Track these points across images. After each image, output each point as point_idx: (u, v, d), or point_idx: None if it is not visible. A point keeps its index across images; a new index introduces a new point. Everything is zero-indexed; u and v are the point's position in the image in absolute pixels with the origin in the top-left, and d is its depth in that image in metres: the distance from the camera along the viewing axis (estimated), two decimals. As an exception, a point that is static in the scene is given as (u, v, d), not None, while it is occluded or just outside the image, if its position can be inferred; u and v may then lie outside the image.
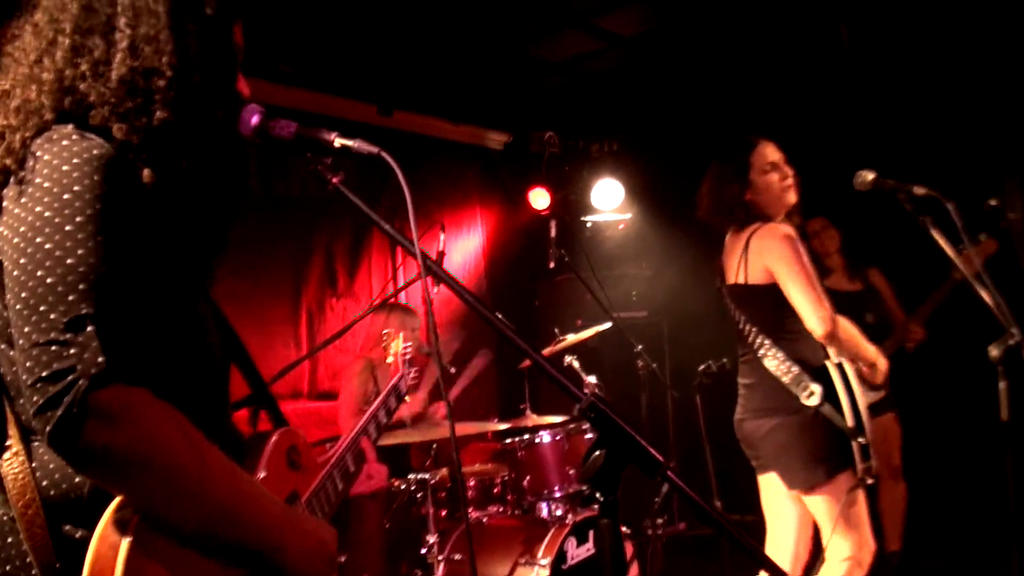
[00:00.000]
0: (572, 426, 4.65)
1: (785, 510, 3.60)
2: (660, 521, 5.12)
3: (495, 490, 4.74)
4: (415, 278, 4.41)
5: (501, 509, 4.55)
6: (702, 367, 4.56)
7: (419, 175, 6.32)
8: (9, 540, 1.41)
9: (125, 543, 1.31)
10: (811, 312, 3.32)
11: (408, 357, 2.82)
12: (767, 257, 3.46)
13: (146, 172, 1.45)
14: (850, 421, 3.29)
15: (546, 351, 5.02)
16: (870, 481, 3.35)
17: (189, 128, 1.50)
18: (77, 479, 1.38)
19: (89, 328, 1.28)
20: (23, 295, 1.30)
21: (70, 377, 1.25)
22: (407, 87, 6.07)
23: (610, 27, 5.76)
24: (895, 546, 5.30)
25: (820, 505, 3.38)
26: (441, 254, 4.13)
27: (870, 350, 3.52)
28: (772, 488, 3.62)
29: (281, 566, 1.49)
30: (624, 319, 5.76)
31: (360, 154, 1.66)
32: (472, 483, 4.70)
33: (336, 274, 5.91)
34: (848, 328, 3.43)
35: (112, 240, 1.35)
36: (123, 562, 1.30)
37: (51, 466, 1.40)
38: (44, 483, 1.39)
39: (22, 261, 1.32)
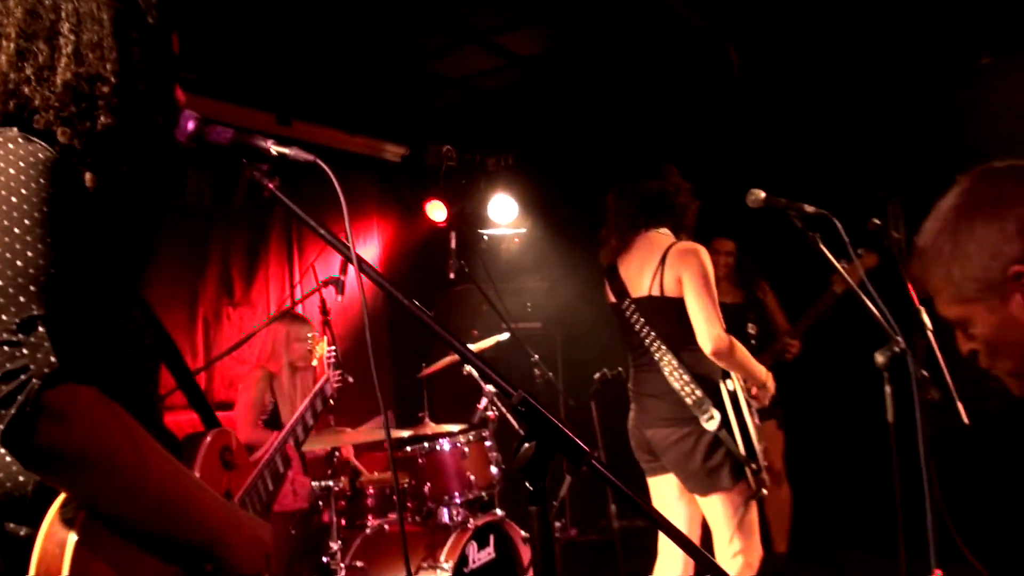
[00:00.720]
0: (472, 434, 4.71)
1: (676, 512, 3.75)
2: (557, 525, 5.23)
3: (395, 498, 4.76)
4: (315, 289, 4.40)
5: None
6: (598, 375, 4.68)
7: (317, 186, 6.30)
8: None
9: (72, 539, 1.32)
10: (706, 329, 3.47)
11: (332, 360, 2.85)
12: (683, 271, 3.60)
13: (88, 176, 1.47)
14: (743, 448, 3.48)
15: (443, 361, 5.09)
16: (764, 493, 3.54)
17: (132, 134, 1.53)
18: (21, 477, 1.39)
19: (40, 329, 1.30)
20: None
21: (23, 376, 1.26)
22: (306, 97, 6.06)
23: (509, 45, 5.88)
24: (781, 547, 5.55)
25: (717, 508, 3.54)
26: (345, 263, 4.14)
27: (761, 370, 3.67)
28: (664, 491, 3.77)
29: (221, 559, 1.52)
30: (520, 330, 5.86)
31: (296, 162, 1.71)
32: (372, 491, 4.71)
33: (233, 283, 5.85)
34: (741, 349, 3.58)
35: (60, 243, 1.36)
36: (70, 558, 1.31)
37: None
38: None
39: None
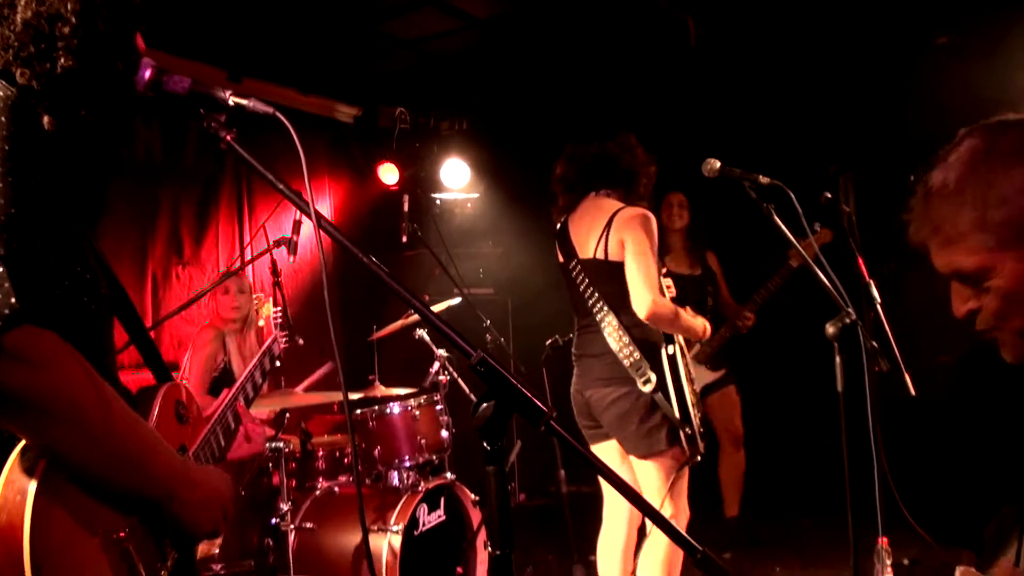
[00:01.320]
0: (424, 397, 4.72)
1: (620, 474, 3.79)
2: (511, 487, 5.26)
3: (345, 460, 4.75)
4: (266, 249, 4.33)
5: (352, 479, 4.57)
6: (549, 341, 4.70)
7: (267, 144, 6.20)
8: None
9: (32, 487, 1.30)
10: (642, 292, 3.51)
11: (279, 320, 2.82)
12: (627, 234, 3.62)
13: (46, 119, 1.44)
14: (678, 413, 3.52)
15: (395, 325, 5.07)
16: (697, 459, 3.60)
17: (91, 78, 1.49)
18: None
19: (0, 269, 1.26)
20: None
21: None
22: (257, 54, 5.93)
23: (465, 7, 5.82)
24: (733, 511, 5.65)
25: (651, 471, 3.59)
26: (298, 223, 4.09)
27: (698, 326, 3.71)
28: (607, 457, 3.81)
29: (176, 516, 1.51)
30: (472, 295, 5.86)
31: (255, 113, 1.68)
32: (321, 453, 4.70)
33: (182, 241, 5.75)
34: (669, 306, 3.59)
35: (20, 182, 1.32)
36: (31, 505, 1.29)
37: None
38: None
39: None
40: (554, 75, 6.54)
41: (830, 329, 2.71)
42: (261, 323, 2.92)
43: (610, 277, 3.69)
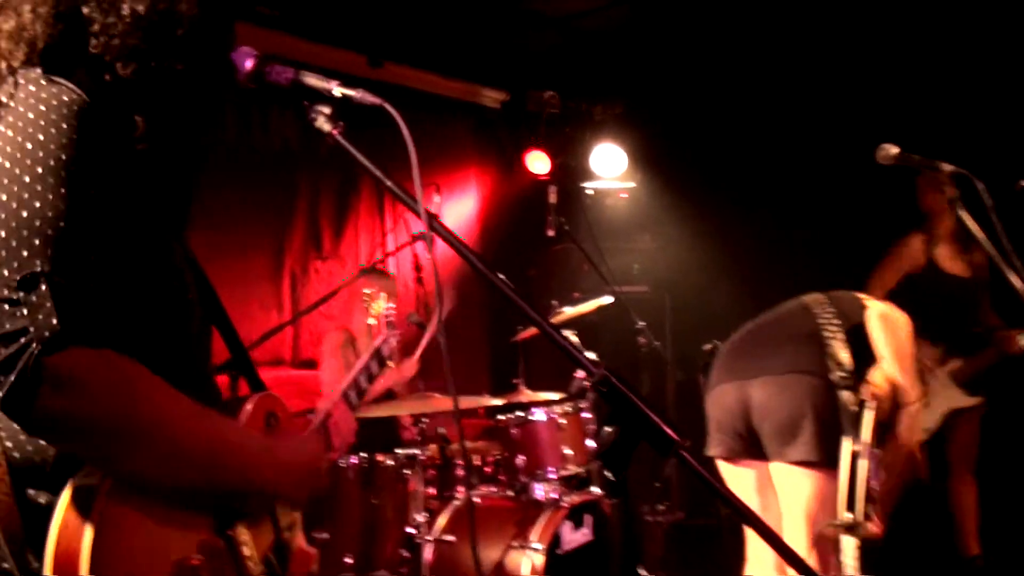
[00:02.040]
0: (569, 404, 4.66)
1: (753, 503, 3.58)
2: (661, 508, 5.14)
3: (487, 469, 4.76)
4: (409, 241, 4.39)
5: (493, 489, 4.57)
6: (707, 346, 4.55)
7: (411, 132, 6.28)
8: None
9: (95, 506, 1.31)
10: None
11: (391, 319, 2.82)
12: None
13: (138, 119, 1.45)
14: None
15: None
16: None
17: (196, 76, 1.51)
18: (42, 442, 1.39)
19: (43, 287, 1.27)
20: None
21: (23, 340, 1.24)
22: (399, 37, 6.02)
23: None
24: (974, 550, 5.10)
25: (805, 483, 3.31)
26: (435, 217, 4.10)
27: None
28: (744, 482, 3.59)
29: (266, 495, 1.57)
30: (625, 294, 5.76)
31: (362, 105, 1.66)
32: (461, 461, 4.72)
33: (321, 234, 5.91)
34: None
35: (76, 192, 1.33)
36: (93, 527, 1.30)
37: (15, 426, 1.39)
38: (8, 445, 1.39)
39: None
40: (716, 51, 6.32)
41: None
42: (372, 321, 2.91)
43: None
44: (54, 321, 1.25)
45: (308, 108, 1.66)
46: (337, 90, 1.65)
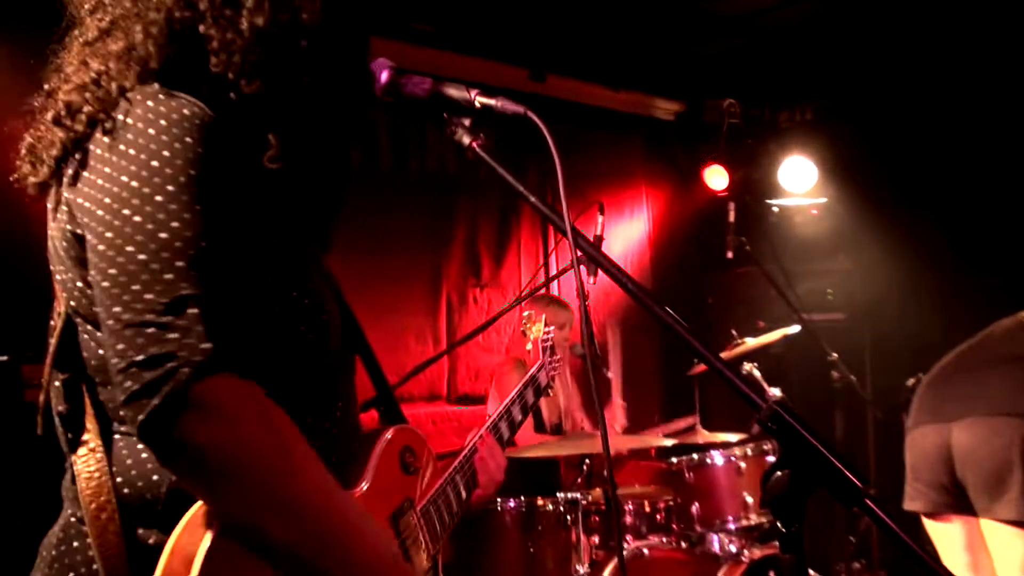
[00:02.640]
0: (751, 446, 4.54)
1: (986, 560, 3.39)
2: (857, 566, 4.93)
3: (658, 517, 4.68)
4: (569, 265, 4.38)
5: (665, 540, 4.49)
6: (912, 381, 4.35)
7: (576, 148, 6.31)
8: (75, 545, 1.47)
9: (200, 555, 1.32)
10: None
11: (549, 344, 2.80)
12: None
13: (271, 137, 1.47)
14: None
15: (722, 356, 4.92)
16: None
17: (326, 89, 1.53)
18: (155, 477, 1.42)
19: (192, 310, 1.29)
20: (111, 272, 1.33)
21: (170, 364, 1.26)
22: (562, 48, 6.06)
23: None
24: None
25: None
26: (599, 239, 4.07)
27: None
28: (951, 539, 3.40)
29: None
30: (816, 322, 5.59)
31: (503, 115, 1.66)
32: (630, 507, 4.66)
33: (480, 261, 5.99)
34: None
35: (210, 211, 1.36)
36: (197, 573, 1.31)
37: (128, 462, 1.45)
38: (119, 480, 1.44)
39: (108, 235, 1.34)
40: (917, 47, 6.06)
41: None
42: (529, 347, 2.89)
43: None
44: (205, 346, 1.28)
45: (448, 120, 1.67)
46: (478, 100, 1.65)
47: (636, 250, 6.93)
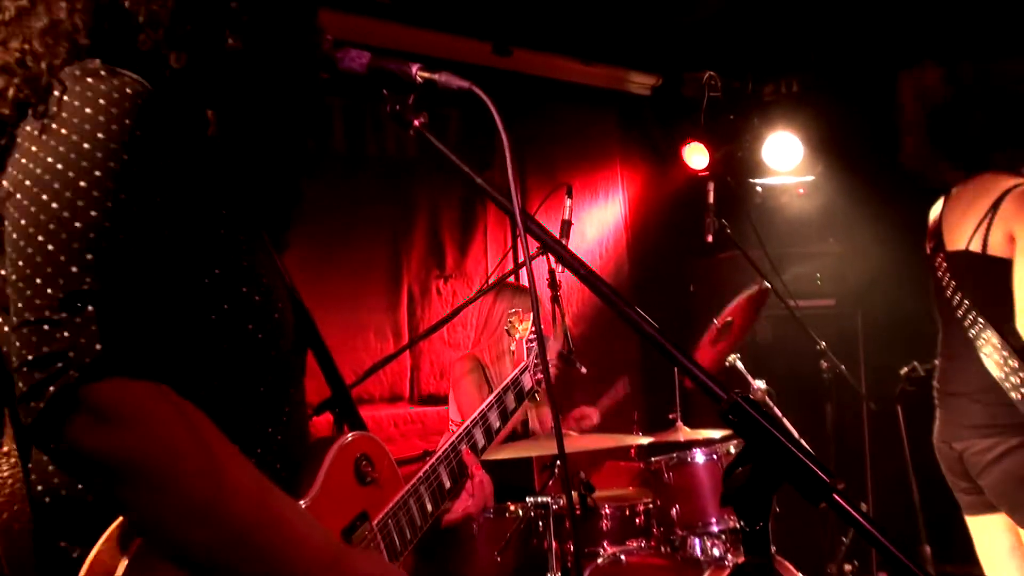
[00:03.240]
0: (735, 443, 4.56)
1: (1009, 564, 3.46)
2: (848, 568, 4.97)
3: (636, 520, 4.69)
4: (537, 252, 4.36)
5: (643, 544, 4.51)
6: (906, 370, 4.40)
7: (545, 127, 6.31)
8: None
9: (120, 570, 1.32)
10: None
11: (533, 345, 2.80)
12: (1018, 225, 3.30)
13: (209, 113, 1.48)
14: None
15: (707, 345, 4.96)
16: None
17: (262, 60, 1.53)
18: (79, 485, 1.41)
19: (89, 308, 1.30)
20: (20, 263, 1.33)
21: (59, 364, 1.27)
22: (528, 19, 6.04)
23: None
24: None
25: None
26: (567, 223, 4.08)
27: None
28: (990, 535, 3.48)
29: None
30: (804, 309, 5.62)
31: (448, 90, 1.66)
32: (607, 511, 4.67)
33: (444, 250, 5.98)
34: None
35: (137, 200, 1.36)
36: None
37: (51, 468, 1.43)
38: (40, 488, 1.43)
39: (23, 222, 1.34)
40: (912, 16, 6.09)
41: None
42: (512, 347, 2.90)
43: (987, 279, 3.40)
44: (97, 346, 1.28)
45: (388, 98, 1.67)
46: (419, 74, 1.65)
47: (611, 235, 6.93)
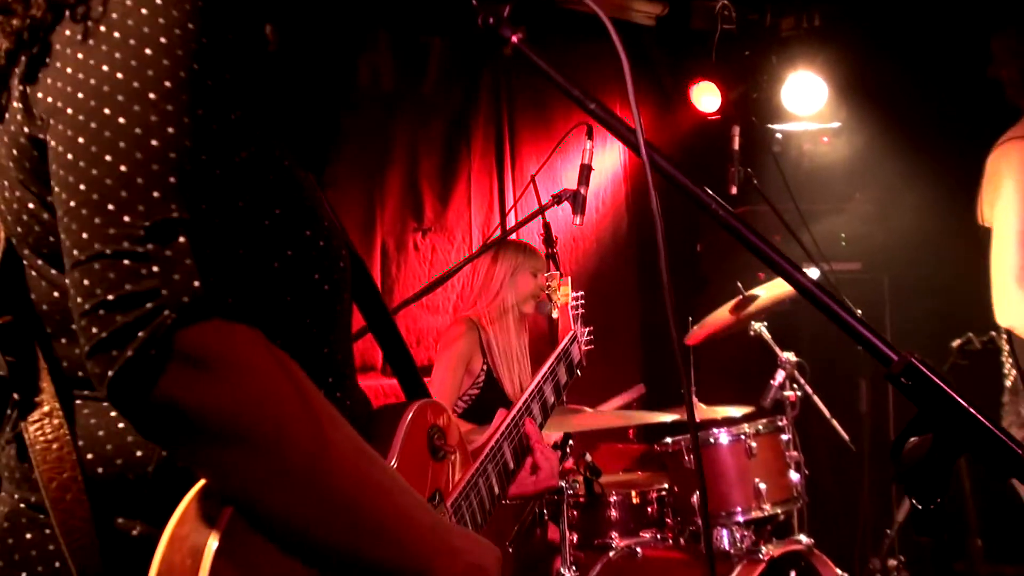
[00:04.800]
0: (763, 422, 4.60)
1: None
2: (893, 563, 5.04)
3: (649, 509, 4.73)
4: (540, 209, 4.32)
5: (659, 536, 4.55)
6: (959, 342, 4.45)
7: (540, 56, 6.27)
8: (27, 537, 1.41)
9: (211, 548, 1.26)
10: (998, 279, 3.55)
11: (580, 312, 2.80)
12: (1001, 180, 3.64)
13: (267, 27, 1.46)
14: None
15: (719, 320, 4.99)
16: None
17: None
18: (139, 452, 1.36)
19: (181, 239, 1.25)
20: (81, 187, 1.26)
21: (150, 304, 1.20)
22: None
23: None
24: None
25: None
26: (586, 168, 4.07)
27: None
28: None
29: None
30: (830, 272, 5.66)
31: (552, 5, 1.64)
32: (615, 498, 4.70)
33: (422, 199, 5.97)
34: None
35: (214, 116, 1.32)
36: (207, 572, 1.25)
37: (100, 433, 1.38)
38: (89, 456, 1.37)
39: (80, 140, 1.28)
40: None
41: None
42: (555, 314, 2.90)
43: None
44: (196, 283, 1.23)
45: (480, 6, 1.65)
46: None
47: (609, 185, 6.94)
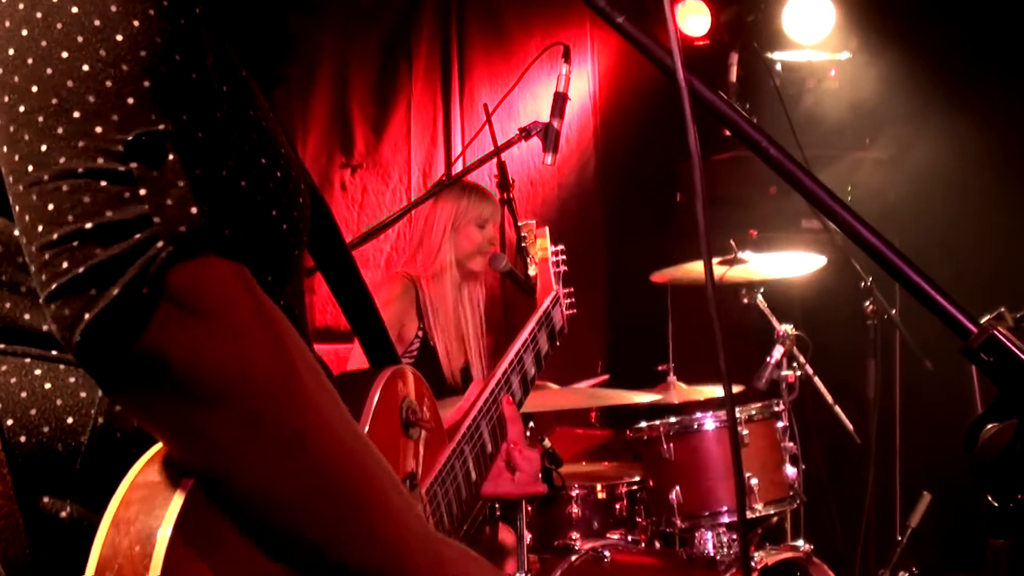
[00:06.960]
0: (756, 406, 4.65)
1: None
2: (904, 575, 5.11)
3: (617, 506, 4.77)
4: (502, 146, 4.32)
5: (630, 538, 4.61)
6: (988, 317, 4.50)
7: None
8: None
9: (164, 533, 1.22)
10: None
11: (561, 269, 2.83)
12: None
13: None
14: None
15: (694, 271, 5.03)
16: None
17: None
18: (70, 419, 1.33)
19: (171, 156, 1.21)
20: (34, 89, 1.21)
21: (139, 235, 1.17)
22: None
23: None
24: None
25: None
26: (560, 97, 4.09)
27: None
28: None
29: None
30: (828, 232, 5.71)
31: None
32: (576, 492, 4.73)
33: (352, 130, 5.96)
34: None
35: (179, 7, 1.28)
36: (162, 559, 1.21)
37: (23, 395, 1.34)
38: (9, 422, 1.33)
39: (23, 33, 1.22)
40: None
41: None
42: (533, 270, 2.92)
43: None
44: (192, 210, 1.20)
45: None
46: None
47: (576, 119, 6.92)
